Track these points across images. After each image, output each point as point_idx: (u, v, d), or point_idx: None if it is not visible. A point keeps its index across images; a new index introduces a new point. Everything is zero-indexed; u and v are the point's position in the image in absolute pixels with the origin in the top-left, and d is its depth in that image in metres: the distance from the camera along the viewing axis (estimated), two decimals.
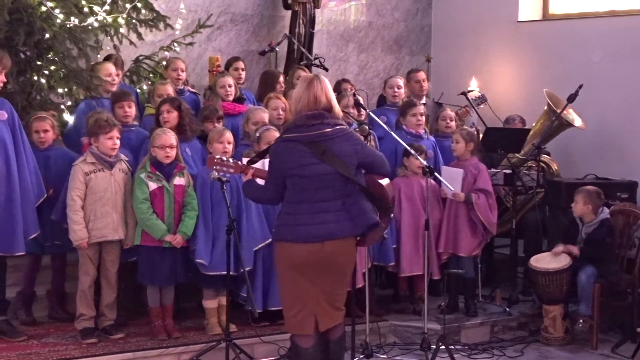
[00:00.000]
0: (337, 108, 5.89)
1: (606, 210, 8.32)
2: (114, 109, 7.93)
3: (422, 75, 9.88)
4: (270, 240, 7.70)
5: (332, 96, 5.88)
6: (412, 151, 7.78)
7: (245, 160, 6.42)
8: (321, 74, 10.07)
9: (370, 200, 5.88)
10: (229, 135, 7.64)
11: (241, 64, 9.57)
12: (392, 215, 6.30)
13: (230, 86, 8.82)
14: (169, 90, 8.50)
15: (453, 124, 9.04)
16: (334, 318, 5.94)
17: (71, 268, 7.78)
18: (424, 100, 9.59)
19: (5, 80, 7.21)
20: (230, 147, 7.61)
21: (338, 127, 5.80)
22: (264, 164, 6.28)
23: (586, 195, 8.25)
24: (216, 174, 7.04)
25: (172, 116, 7.86)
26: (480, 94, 9.95)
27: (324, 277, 5.81)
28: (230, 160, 6.32)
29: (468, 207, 8.35)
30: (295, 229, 5.77)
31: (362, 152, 5.86)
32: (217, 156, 6.39)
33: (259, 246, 7.67)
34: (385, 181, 6.05)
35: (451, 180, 8.11)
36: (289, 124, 5.92)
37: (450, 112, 9.18)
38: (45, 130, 7.61)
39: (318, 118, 5.75)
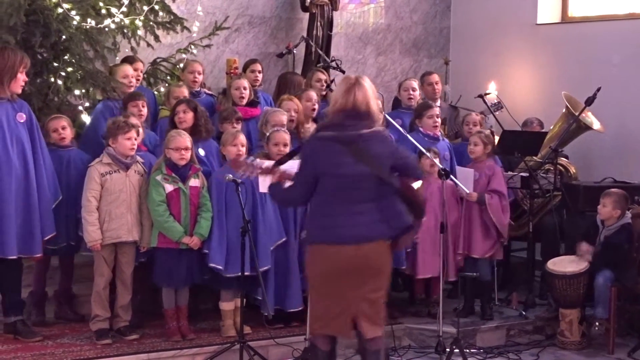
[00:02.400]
0: (376, 112, 5.73)
1: (628, 214, 8.27)
2: (127, 108, 7.92)
3: (435, 77, 9.83)
4: (285, 238, 7.72)
5: (372, 101, 5.69)
6: (428, 153, 7.79)
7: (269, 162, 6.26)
8: (338, 76, 10.27)
9: (404, 202, 5.75)
10: (242, 138, 7.63)
11: (258, 66, 9.58)
12: (424, 218, 6.20)
13: (245, 89, 8.80)
14: (185, 92, 8.52)
15: (476, 128, 8.97)
16: (375, 325, 5.76)
17: (84, 269, 7.84)
18: (438, 103, 9.55)
19: (27, 79, 7.24)
20: (244, 150, 7.60)
21: (374, 129, 5.68)
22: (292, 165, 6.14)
23: (617, 200, 8.19)
24: (231, 175, 7.07)
25: (188, 117, 7.87)
26: (497, 101, 9.88)
27: (360, 282, 5.65)
28: (257, 161, 6.14)
29: (481, 209, 8.33)
30: (329, 231, 5.63)
31: (396, 154, 5.76)
32: (243, 158, 6.22)
33: (275, 244, 7.66)
34: (417, 184, 5.92)
35: (464, 180, 8.12)
36: (325, 122, 5.77)
37: (475, 117, 9.14)
38: (64, 127, 7.64)
39: (355, 118, 5.61)
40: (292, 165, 6.02)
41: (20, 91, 7.17)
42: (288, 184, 5.90)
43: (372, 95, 5.71)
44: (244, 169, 6.08)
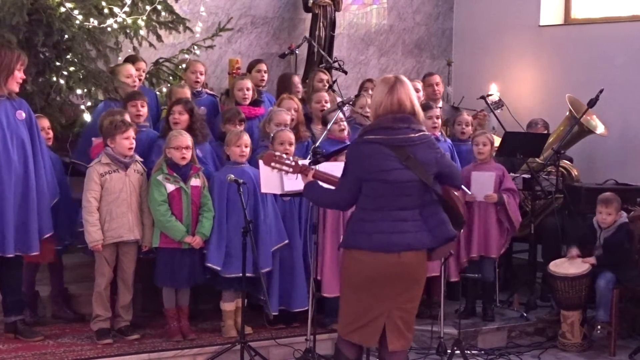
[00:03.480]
0: (420, 113, 5.56)
1: (624, 214, 8.27)
2: (126, 108, 7.91)
3: (435, 79, 9.83)
4: (287, 241, 7.71)
5: (416, 99, 5.53)
6: None
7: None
8: (340, 77, 10.28)
9: (445, 211, 5.60)
10: (246, 139, 7.61)
11: (264, 66, 9.56)
12: (462, 230, 6.01)
13: (248, 89, 8.78)
14: (187, 94, 8.49)
15: (469, 129, 9.00)
16: (402, 338, 5.62)
17: (85, 269, 7.85)
18: (439, 104, 9.55)
19: (24, 77, 7.23)
20: (247, 151, 7.59)
21: (421, 133, 5.50)
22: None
23: (618, 205, 8.19)
24: (233, 175, 7.06)
25: (183, 118, 7.85)
26: (497, 99, 9.88)
27: (398, 292, 5.51)
28: (290, 158, 5.90)
29: (497, 209, 8.33)
30: (373, 237, 5.43)
31: (441, 162, 5.58)
32: (277, 153, 5.98)
33: (276, 247, 7.65)
34: (457, 193, 5.79)
35: (483, 185, 8.13)
36: (372, 124, 5.54)
37: (467, 117, 9.14)
38: (49, 128, 7.67)
39: (405, 122, 5.43)
40: (326, 167, 5.95)
41: (17, 89, 7.14)
42: (322, 184, 5.76)
43: (414, 93, 5.57)
44: (276, 165, 5.86)
